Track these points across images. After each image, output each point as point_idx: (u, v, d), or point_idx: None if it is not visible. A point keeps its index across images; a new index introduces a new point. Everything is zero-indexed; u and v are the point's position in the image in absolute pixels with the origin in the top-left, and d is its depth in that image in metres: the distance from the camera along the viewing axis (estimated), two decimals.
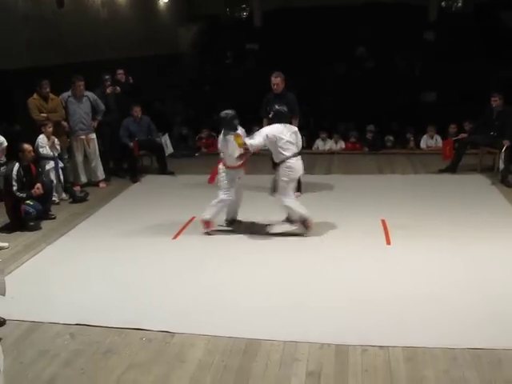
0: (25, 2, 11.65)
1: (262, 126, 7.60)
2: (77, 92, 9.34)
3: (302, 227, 7.00)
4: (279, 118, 6.92)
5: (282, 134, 6.78)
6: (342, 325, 4.76)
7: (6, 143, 8.09)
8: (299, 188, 8.41)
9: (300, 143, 7.06)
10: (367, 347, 4.40)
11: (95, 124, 9.65)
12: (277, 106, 7.09)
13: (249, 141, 6.72)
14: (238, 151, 6.77)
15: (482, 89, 11.32)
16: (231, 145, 6.82)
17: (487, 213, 7.57)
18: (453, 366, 4.13)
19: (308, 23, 18.47)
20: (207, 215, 7.10)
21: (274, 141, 6.75)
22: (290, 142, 6.82)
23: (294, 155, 6.84)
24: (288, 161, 6.80)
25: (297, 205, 7.01)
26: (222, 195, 7.04)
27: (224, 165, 7.03)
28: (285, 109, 7.05)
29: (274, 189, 7.28)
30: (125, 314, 5.10)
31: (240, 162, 6.97)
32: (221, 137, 6.99)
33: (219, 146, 7.08)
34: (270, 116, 7.09)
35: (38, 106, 8.93)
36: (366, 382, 3.99)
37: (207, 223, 7.13)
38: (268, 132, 6.79)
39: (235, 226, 7.36)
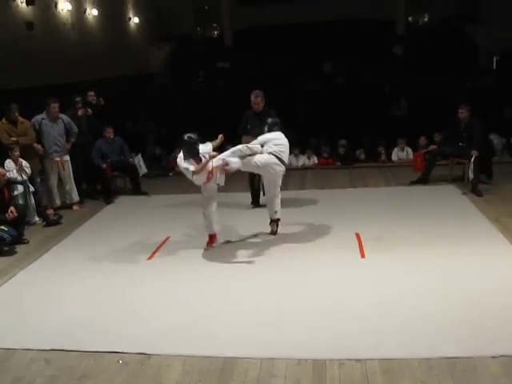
0: None
1: (239, 143, 7.69)
2: (51, 114, 9.31)
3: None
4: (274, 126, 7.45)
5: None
6: (319, 339, 4.77)
7: None
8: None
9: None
10: (344, 361, 4.41)
11: (69, 146, 9.63)
12: (269, 120, 7.56)
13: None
14: (192, 168, 6.71)
15: (450, 101, 11.54)
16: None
17: (459, 222, 7.68)
18: (429, 375, 4.17)
19: (278, 41, 18.69)
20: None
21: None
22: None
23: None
24: None
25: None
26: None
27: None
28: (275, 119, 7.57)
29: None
30: (100, 337, 5.04)
31: (201, 174, 6.80)
32: (179, 159, 6.87)
33: (179, 167, 6.98)
34: (266, 129, 7.43)
35: (7, 130, 8.87)
36: None
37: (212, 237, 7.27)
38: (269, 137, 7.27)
39: None
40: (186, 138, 6.74)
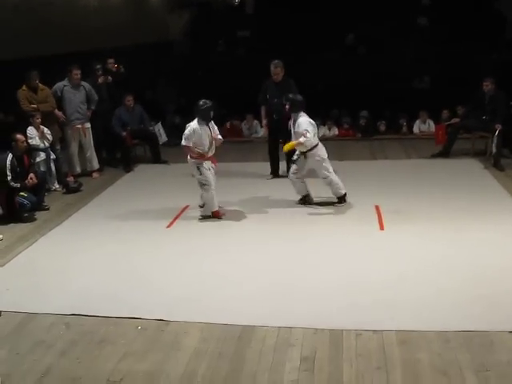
0: None
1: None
2: (73, 81, 9.32)
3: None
4: (300, 107, 7.34)
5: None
6: (336, 310, 4.79)
7: None
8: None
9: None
10: (361, 332, 4.43)
11: (90, 114, 9.63)
12: (290, 95, 7.42)
13: (305, 138, 7.08)
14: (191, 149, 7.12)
15: (475, 73, 11.31)
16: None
17: (480, 197, 7.60)
18: (446, 348, 4.17)
19: (300, 11, 18.39)
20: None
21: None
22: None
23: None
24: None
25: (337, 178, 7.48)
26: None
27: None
28: (299, 97, 7.40)
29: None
30: (119, 304, 5.11)
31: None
32: (195, 127, 7.04)
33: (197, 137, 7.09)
34: (287, 106, 7.35)
35: (28, 97, 8.89)
36: (361, 366, 4.02)
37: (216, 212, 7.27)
38: (311, 121, 7.25)
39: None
40: (201, 103, 6.97)
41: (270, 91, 8.55)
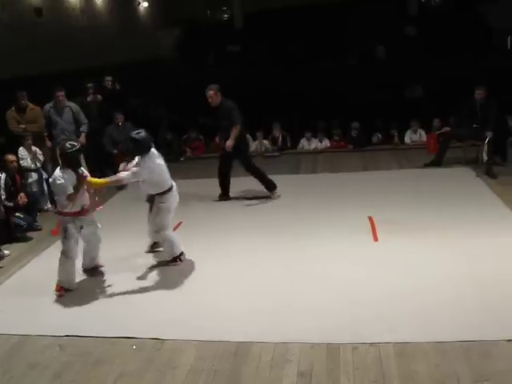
0: (2, 12, 11.59)
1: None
2: (58, 103, 9.24)
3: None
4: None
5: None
6: (332, 323, 4.76)
7: None
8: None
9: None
10: (358, 345, 4.40)
11: (82, 139, 9.11)
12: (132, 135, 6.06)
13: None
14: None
15: (464, 82, 11.39)
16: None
17: (473, 205, 7.61)
18: (444, 359, 4.15)
19: (288, 23, 18.52)
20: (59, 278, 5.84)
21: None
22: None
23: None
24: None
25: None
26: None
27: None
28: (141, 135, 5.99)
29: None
30: (114, 323, 5.07)
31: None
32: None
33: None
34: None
35: (16, 118, 8.88)
36: (358, 379, 4.00)
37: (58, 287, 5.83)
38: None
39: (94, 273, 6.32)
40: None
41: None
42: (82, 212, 5.82)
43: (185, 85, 16.38)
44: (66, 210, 5.72)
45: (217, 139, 8.78)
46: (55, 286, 5.79)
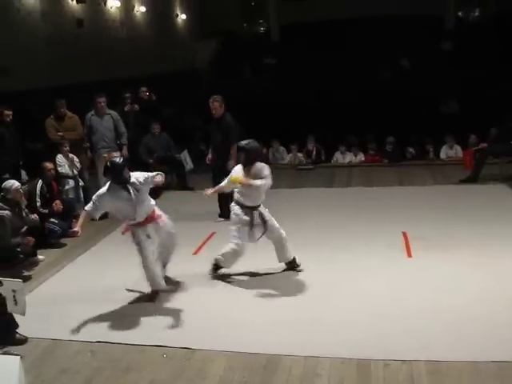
0: (46, 23, 11.89)
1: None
2: (98, 109, 9.39)
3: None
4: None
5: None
6: (364, 339, 4.71)
7: (17, 183, 7.37)
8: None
9: None
10: (389, 361, 4.35)
11: (125, 151, 9.27)
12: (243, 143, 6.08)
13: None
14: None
15: (502, 97, 11.23)
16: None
17: (509, 222, 7.46)
18: (477, 379, 4.07)
19: (325, 36, 18.53)
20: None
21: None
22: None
23: None
24: None
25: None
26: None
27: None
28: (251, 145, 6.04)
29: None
30: (145, 331, 5.11)
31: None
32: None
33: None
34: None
35: (54, 126, 9.07)
36: None
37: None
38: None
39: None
40: (114, 163, 5.69)
41: (211, 130, 8.31)
42: (147, 221, 5.82)
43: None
44: (131, 222, 5.76)
45: (208, 156, 8.67)
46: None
